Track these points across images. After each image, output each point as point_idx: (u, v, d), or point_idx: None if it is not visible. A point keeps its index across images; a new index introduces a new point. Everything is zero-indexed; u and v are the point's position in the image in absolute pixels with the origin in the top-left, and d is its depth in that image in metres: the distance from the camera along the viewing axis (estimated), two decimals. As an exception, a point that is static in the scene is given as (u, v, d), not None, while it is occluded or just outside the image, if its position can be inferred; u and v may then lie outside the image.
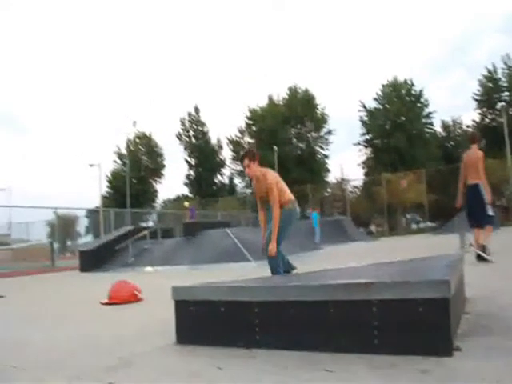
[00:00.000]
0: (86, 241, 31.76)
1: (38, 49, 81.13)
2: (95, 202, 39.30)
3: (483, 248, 7.41)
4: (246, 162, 5.26)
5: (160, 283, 7.96)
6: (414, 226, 43.98)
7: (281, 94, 51.60)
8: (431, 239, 20.31)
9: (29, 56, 79.92)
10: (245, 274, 5.06)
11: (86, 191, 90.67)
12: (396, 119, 45.63)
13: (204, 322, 3.07)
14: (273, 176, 5.24)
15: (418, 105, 46.50)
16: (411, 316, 2.36)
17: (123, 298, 5.79)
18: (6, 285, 11.23)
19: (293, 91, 50.84)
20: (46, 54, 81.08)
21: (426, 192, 37.13)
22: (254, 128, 51.04)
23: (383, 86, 47.66)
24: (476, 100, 45.65)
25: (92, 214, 32.97)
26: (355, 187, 47.92)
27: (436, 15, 76.39)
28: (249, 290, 3.04)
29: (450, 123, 50.02)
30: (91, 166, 35.66)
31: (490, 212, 7.58)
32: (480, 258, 7.36)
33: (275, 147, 41.03)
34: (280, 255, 5.13)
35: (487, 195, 7.58)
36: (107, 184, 52.44)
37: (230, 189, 54.46)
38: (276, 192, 5.09)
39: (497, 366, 2.14)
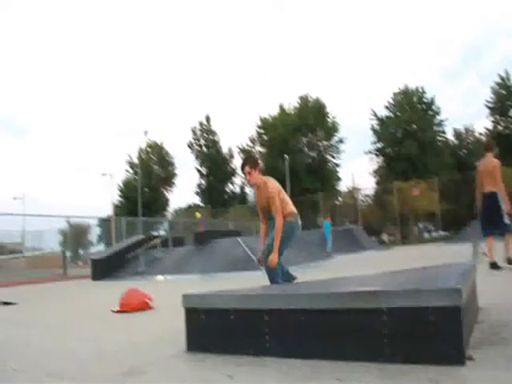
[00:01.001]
0: (98, 249, 31.94)
1: (53, 56, 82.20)
2: (107, 210, 39.64)
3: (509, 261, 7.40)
4: (247, 169, 5.05)
5: (171, 291, 7.98)
6: (426, 235, 43.59)
7: (292, 103, 51.76)
8: (444, 248, 20.12)
9: (40, 62, 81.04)
10: (255, 283, 5.03)
11: (98, 200, 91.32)
12: (407, 127, 45.44)
13: (214, 330, 3.08)
14: (274, 185, 5.06)
15: (430, 113, 46.29)
16: (422, 324, 2.35)
17: (134, 306, 5.81)
18: (19, 293, 11.32)
19: (304, 100, 50.95)
20: (60, 61, 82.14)
21: (438, 200, 36.86)
22: (265, 137, 51.16)
23: (394, 94, 47.57)
24: (488, 107, 45.36)
25: (104, 222, 33.18)
26: (366, 196, 47.74)
27: (447, 22, 76.33)
28: (259, 297, 3.04)
29: (463, 131, 49.73)
30: (103, 175, 35.98)
31: (507, 220, 7.50)
32: (494, 267, 7.29)
33: (286, 156, 41.08)
34: (280, 266, 4.94)
35: (505, 204, 7.50)
36: (119, 193, 52.82)
37: (241, 198, 54.50)
38: (278, 201, 4.93)
39: (510, 376, 2.11)
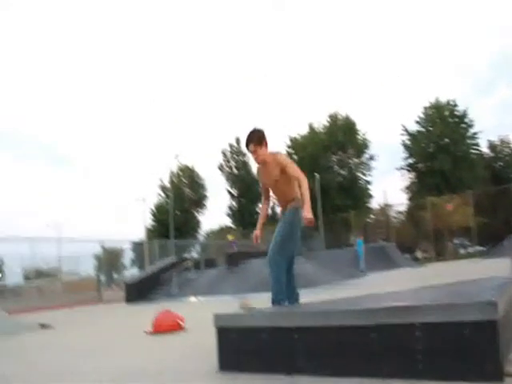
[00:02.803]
0: (132, 273, 32.34)
1: (86, 86, 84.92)
2: (140, 234, 40.18)
3: None
4: (252, 147, 4.35)
5: (203, 312, 7.98)
6: (462, 251, 42.43)
7: (321, 122, 51.73)
8: (480, 263, 19.52)
9: (75, 92, 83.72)
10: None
11: (132, 225, 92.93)
12: (439, 141, 44.64)
13: (246, 349, 3.06)
14: (284, 155, 4.47)
15: (463, 125, 45.41)
16: (457, 339, 2.28)
17: (167, 327, 5.85)
18: (55, 316, 11.54)
19: (333, 118, 50.86)
20: (92, 91, 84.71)
21: (473, 215, 35.92)
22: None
23: (425, 108, 46.93)
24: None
25: (137, 246, 33.62)
26: (399, 212, 46.92)
27: (477, 31, 75.31)
28: (289, 315, 3.02)
29: (498, 143, 48.51)
30: (136, 200, 36.56)
31: None
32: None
33: (317, 175, 40.95)
34: (284, 264, 4.31)
35: None
36: (151, 217, 53.54)
37: (272, 218, 54.42)
38: (294, 165, 4.31)
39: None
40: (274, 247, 4.32)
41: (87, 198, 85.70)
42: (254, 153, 4.38)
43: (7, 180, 77.13)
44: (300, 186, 4.21)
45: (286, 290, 4.33)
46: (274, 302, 4.25)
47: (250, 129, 4.45)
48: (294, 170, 4.27)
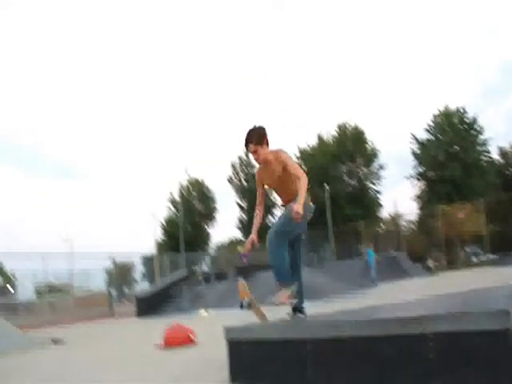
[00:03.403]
0: (143, 287, 32.36)
1: (96, 98, 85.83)
2: (150, 248, 40.25)
3: None
4: (252, 147, 4.04)
5: (214, 326, 7.95)
6: (474, 259, 41.96)
7: (330, 132, 51.68)
8: (492, 272, 19.28)
9: (85, 109, 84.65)
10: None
11: (142, 239, 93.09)
12: (449, 149, 44.37)
13: (257, 361, 3.05)
14: (286, 154, 4.17)
15: (473, 132, 45.09)
16: (469, 349, 2.25)
17: (178, 340, 5.84)
18: (67, 331, 11.56)
19: (342, 128, 50.82)
20: (102, 107, 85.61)
21: (485, 223, 35.58)
22: (304, 167, 51.20)
23: (434, 116, 46.73)
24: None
25: (147, 260, 33.67)
26: (410, 221, 46.60)
27: (487, 36, 75.04)
28: (299, 327, 3.01)
29: (509, 149, 48.10)
30: (146, 214, 36.66)
31: None
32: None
33: (326, 185, 40.87)
34: (286, 259, 3.92)
35: None
36: (161, 231, 53.67)
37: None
38: (295, 164, 4.12)
39: None
40: (274, 228, 4.01)
41: (97, 212, 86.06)
42: (254, 153, 4.10)
43: (18, 195, 77.86)
44: (299, 185, 3.93)
45: (290, 269, 3.96)
46: (280, 282, 3.87)
47: (250, 127, 4.11)
48: (295, 169, 4.05)
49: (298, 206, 3.70)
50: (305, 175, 4.00)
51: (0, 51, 71.55)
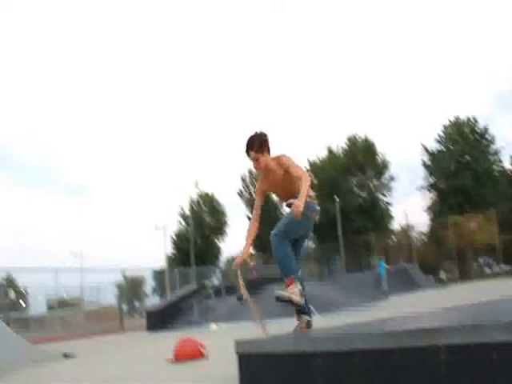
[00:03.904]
0: (153, 301, 32.36)
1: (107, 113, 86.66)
2: (161, 262, 40.25)
3: None
4: (253, 154, 3.89)
5: (224, 339, 7.91)
6: (487, 271, 41.43)
7: (340, 144, 51.57)
8: (507, 283, 19.03)
9: (94, 120, 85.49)
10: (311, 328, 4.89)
11: (152, 253, 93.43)
12: (460, 159, 44.07)
13: (267, 375, 3.02)
14: (288, 157, 3.98)
15: (484, 142, 44.75)
16: (483, 362, 2.20)
17: (188, 354, 5.81)
18: (78, 345, 11.55)
19: (352, 140, 50.71)
20: (110, 120, 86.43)
21: (497, 233, 35.18)
22: (314, 180, 51.10)
23: (444, 126, 46.52)
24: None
25: (158, 274, 33.68)
26: (421, 233, 46.24)
27: (497, 45, 74.81)
28: (309, 340, 2.98)
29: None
30: (156, 228, 36.74)
31: None
32: None
33: (336, 198, 40.74)
34: (290, 254, 3.78)
35: None
36: (172, 245, 53.71)
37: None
38: (297, 166, 3.94)
39: None
40: (281, 224, 3.85)
41: (108, 226, 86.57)
42: (255, 160, 3.94)
43: (31, 211, 78.52)
44: (301, 183, 3.78)
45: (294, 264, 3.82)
46: (289, 277, 3.72)
47: (251, 133, 3.96)
48: (296, 170, 3.89)
49: (298, 202, 3.60)
50: (307, 174, 3.91)
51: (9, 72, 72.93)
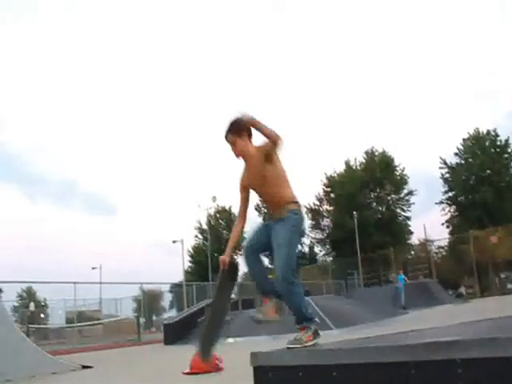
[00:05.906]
0: (171, 315, 32.41)
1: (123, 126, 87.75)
2: (178, 276, 40.36)
3: None
4: (230, 137, 3.50)
5: (240, 352, 7.88)
6: (509, 286, 40.55)
7: (358, 159, 51.27)
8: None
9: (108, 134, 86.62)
10: (325, 341, 4.87)
11: (170, 267, 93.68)
12: (481, 173, 43.48)
13: (282, 388, 3.01)
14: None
15: (505, 155, 44.07)
16: (503, 377, 2.18)
17: (204, 367, 5.81)
18: (96, 357, 11.63)
19: (370, 155, 50.40)
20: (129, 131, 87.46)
21: (519, 247, 34.49)
22: (332, 195, 50.84)
23: (464, 139, 45.98)
24: None
25: (175, 288, 33.77)
26: (440, 247, 45.56)
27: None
28: (325, 353, 2.97)
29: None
30: (174, 242, 36.87)
31: None
32: None
33: (355, 213, 40.50)
34: (298, 281, 3.51)
35: None
36: (189, 259, 53.86)
37: (311, 257, 53.74)
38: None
39: None
40: (282, 263, 3.33)
41: (126, 242, 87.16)
42: (232, 144, 3.52)
43: (51, 227, 79.46)
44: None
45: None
46: (305, 323, 3.55)
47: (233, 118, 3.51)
48: (272, 132, 3.34)
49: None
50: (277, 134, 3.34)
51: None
